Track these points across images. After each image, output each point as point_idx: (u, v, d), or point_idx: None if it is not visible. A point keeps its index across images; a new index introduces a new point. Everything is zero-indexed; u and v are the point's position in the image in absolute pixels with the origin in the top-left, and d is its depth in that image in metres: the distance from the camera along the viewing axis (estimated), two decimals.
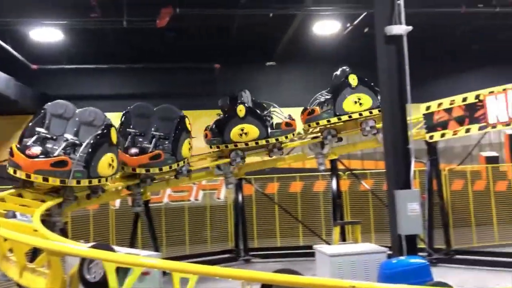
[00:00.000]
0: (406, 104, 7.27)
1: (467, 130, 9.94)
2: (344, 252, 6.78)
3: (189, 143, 10.45)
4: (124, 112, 10.20)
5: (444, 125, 10.21)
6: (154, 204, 12.25)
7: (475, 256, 10.99)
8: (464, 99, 9.90)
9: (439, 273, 9.31)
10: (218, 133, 11.10)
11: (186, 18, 12.18)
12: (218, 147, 11.17)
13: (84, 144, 7.81)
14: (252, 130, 10.82)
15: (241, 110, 10.82)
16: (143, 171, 9.52)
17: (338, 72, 11.51)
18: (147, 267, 4.14)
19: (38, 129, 8.03)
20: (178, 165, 10.05)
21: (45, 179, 7.44)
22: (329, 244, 9.95)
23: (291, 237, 13.44)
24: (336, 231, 9.00)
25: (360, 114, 10.85)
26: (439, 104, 10.25)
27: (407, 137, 7.22)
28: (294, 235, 13.47)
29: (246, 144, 10.96)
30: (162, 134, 9.82)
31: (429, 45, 14.26)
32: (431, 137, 10.44)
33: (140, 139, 9.83)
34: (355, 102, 10.85)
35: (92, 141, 7.91)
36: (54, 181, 7.51)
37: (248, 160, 11.91)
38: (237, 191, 12.36)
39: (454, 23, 12.49)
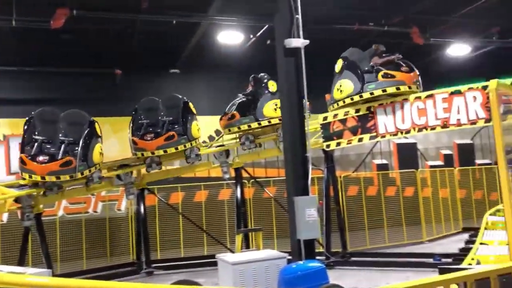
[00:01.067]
0: (304, 114, 7.59)
1: (360, 140, 10.62)
2: (245, 259, 6.84)
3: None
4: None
5: (339, 135, 10.80)
6: (47, 217, 11.45)
7: (369, 257, 11.74)
8: (357, 111, 10.57)
9: (335, 276, 9.89)
10: (248, 111, 11.44)
11: (85, 21, 11.60)
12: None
13: (81, 142, 9.65)
14: None
15: (273, 85, 11.42)
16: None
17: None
18: (33, 287, 3.81)
19: (34, 136, 9.56)
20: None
21: (58, 178, 9.45)
22: (233, 252, 10.02)
23: (195, 247, 13.31)
24: (239, 239, 9.08)
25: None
26: (335, 115, 10.83)
27: (305, 146, 7.53)
28: (198, 245, 13.36)
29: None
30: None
31: (331, 58, 15.08)
32: (328, 146, 10.98)
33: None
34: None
35: (85, 138, 9.81)
36: (65, 178, 9.54)
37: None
38: (138, 202, 11.96)
39: (352, 38, 13.33)
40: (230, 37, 13.80)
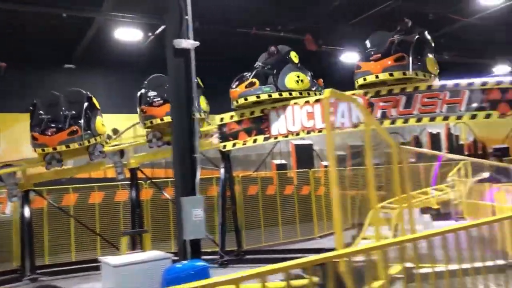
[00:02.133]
0: (192, 114, 7.65)
1: (255, 141, 10.94)
2: (128, 261, 6.73)
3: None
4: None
5: (235, 136, 11.03)
6: None
7: (263, 255, 12.10)
8: (252, 113, 10.88)
9: (228, 273, 10.05)
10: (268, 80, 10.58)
11: None
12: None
13: (83, 115, 10.72)
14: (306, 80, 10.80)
15: (296, 56, 10.90)
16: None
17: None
18: None
19: (40, 117, 10.63)
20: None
21: (67, 146, 10.58)
22: None
23: (88, 251, 12.76)
24: (124, 241, 8.92)
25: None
26: (231, 116, 11.04)
27: (193, 146, 7.60)
28: (92, 249, 12.83)
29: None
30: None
31: (229, 59, 15.35)
32: (224, 147, 11.16)
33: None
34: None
35: (85, 110, 10.86)
36: (74, 146, 10.64)
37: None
38: (23, 204, 11.20)
39: (248, 42, 13.67)
40: (128, 34, 13.47)
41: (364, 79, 9.90)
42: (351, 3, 12.91)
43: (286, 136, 10.79)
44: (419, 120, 9.85)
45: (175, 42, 7.47)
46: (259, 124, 10.86)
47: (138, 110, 11.55)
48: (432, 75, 9.89)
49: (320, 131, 10.51)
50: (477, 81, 9.46)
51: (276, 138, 10.85)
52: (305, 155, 19.84)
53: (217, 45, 10.53)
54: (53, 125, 10.67)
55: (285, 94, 10.56)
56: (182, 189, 7.40)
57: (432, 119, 9.75)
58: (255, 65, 11.05)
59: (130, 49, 14.45)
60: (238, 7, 12.45)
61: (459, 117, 9.60)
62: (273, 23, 13.70)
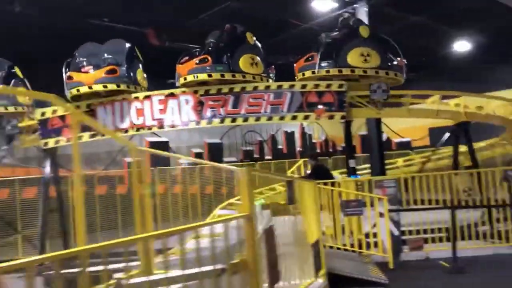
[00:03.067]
0: None
1: (80, 138, 10.20)
2: None
3: (143, 73, 10.57)
4: (69, 58, 10.23)
5: (58, 132, 10.20)
6: None
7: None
8: (78, 107, 10.15)
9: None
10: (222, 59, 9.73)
11: None
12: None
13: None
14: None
15: (251, 37, 10.16)
16: (100, 87, 9.82)
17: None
18: None
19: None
20: (135, 88, 10.13)
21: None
22: None
23: None
24: None
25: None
26: (54, 111, 10.19)
27: None
28: None
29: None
30: (115, 59, 9.95)
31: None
32: (45, 144, 10.27)
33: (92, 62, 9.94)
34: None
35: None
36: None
37: None
38: None
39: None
40: None
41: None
42: (192, 1, 12.79)
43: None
44: (245, 119, 10.06)
45: None
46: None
47: (64, 78, 10.25)
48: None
49: (149, 129, 10.20)
50: (298, 84, 9.93)
51: (103, 135, 10.26)
52: None
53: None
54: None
55: (238, 76, 9.89)
56: None
57: (258, 119, 10.02)
58: (206, 41, 10.35)
59: None
60: None
61: (281, 118, 9.99)
62: (113, 15, 13.02)
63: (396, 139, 25.38)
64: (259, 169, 18.57)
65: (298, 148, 25.35)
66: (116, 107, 10.14)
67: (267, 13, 13.69)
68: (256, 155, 23.06)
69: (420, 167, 14.12)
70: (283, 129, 24.74)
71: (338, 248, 8.66)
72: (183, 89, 10.12)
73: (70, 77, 9.99)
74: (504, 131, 13.27)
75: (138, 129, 10.16)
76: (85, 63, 10.00)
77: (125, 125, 10.14)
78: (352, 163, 10.17)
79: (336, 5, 13.69)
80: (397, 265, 8.16)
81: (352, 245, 8.61)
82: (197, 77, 9.83)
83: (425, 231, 9.04)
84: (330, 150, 26.09)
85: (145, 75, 10.74)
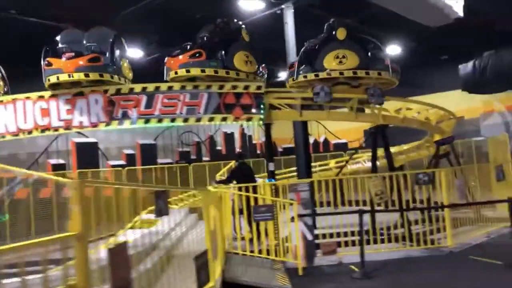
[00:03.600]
0: None
1: None
2: None
3: (128, 65, 10.02)
4: (46, 46, 9.38)
5: None
6: None
7: None
8: None
9: None
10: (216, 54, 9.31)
11: None
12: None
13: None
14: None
15: (247, 34, 9.83)
16: (81, 76, 9.07)
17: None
18: None
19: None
20: (119, 78, 9.46)
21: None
22: None
23: None
24: None
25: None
26: None
27: None
28: None
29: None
30: (99, 47, 9.28)
31: None
32: None
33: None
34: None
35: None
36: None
37: None
38: None
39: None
40: None
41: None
42: None
43: (17, 135, 9.51)
44: (160, 120, 9.59)
45: None
46: None
47: (42, 65, 9.34)
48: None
49: (56, 130, 9.53)
50: (215, 84, 9.60)
51: (4, 137, 9.50)
52: (88, 154, 18.51)
53: None
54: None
55: (232, 74, 9.50)
56: None
57: (173, 120, 9.59)
58: (199, 35, 9.80)
59: None
60: None
61: (198, 120, 9.62)
62: (29, 8, 12.20)
63: (334, 141, 25.69)
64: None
65: (237, 149, 25.08)
66: (19, 106, 9.40)
67: (194, 12, 13.27)
68: (193, 156, 22.59)
69: (338, 171, 14.24)
70: (222, 130, 24.39)
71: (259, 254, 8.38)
72: (93, 88, 9.53)
73: (49, 64, 9.16)
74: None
75: (43, 131, 9.46)
76: (65, 50, 9.23)
77: (29, 126, 9.41)
78: (271, 166, 9.96)
79: (263, 5, 13.46)
80: (308, 270, 8.01)
81: (268, 251, 8.36)
82: (189, 71, 9.42)
83: (339, 235, 8.96)
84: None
85: (129, 67, 10.09)
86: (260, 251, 8.24)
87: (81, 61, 9.03)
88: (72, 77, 9.06)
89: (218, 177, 14.25)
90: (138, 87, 9.50)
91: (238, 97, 9.57)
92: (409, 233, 9.27)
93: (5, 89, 9.84)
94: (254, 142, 25.52)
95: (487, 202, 9.91)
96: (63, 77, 9.10)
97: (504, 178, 10.62)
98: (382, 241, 9.18)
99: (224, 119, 9.59)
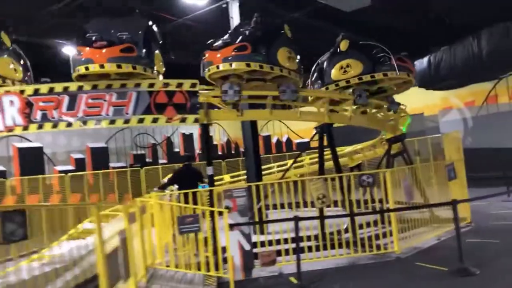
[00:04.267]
0: None
1: None
2: None
3: (161, 57, 9.18)
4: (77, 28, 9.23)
5: None
6: None
7: None
8: None
9: None
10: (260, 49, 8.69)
11: None
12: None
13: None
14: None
15: (289, 30, 9.38)
16: (113, 67, 8.29)
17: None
18: None
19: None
20: (152, 71, 8.72)
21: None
22: None
23: None
24: None
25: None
26: None
27: None
28: None
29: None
30: (131, 37, 8.48)
31: None
32: None
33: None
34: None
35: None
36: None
37: None
38: None
39: None
40: None
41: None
42: None
43: None
44: (84, 123, 8.71)
45: None
46: None
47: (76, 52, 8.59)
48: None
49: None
50: (145, 82, 8.80)
51: None
52: (32, 160, 17.45)
53: None
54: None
55: (276, 70, 8.84)
56: None
57: (98, 123, 8.74)
58: (239, 29, 9.17)
59: None
60: None
61: (126, 121, 8.79)
62: None
63: (297, 140, 25.16)
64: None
65: (197, 150, 24.29)
66: None
67: (132, 6, 12.43)
68: (148, 159, 21.67)
69: (282, 174, 13.66)
70: (179, 131, 23.54)
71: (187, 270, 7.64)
72: (7, 88, 8.60)
73: (78, 52, 8.40)
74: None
75: None
76: (96, 38, 8.42)
77: None
78: (209, 170, 9.23)
79: None
80: (244, 284, 7.33)
81: (198, 265, 7.62)
82: (232, 65, 8.65)
83: (279, 242, 8.31)
84: (233, 152, 25.33)
85: (162, 60, 9.23)
86: (190, 266, 7.51)
87: (114, 51, 8.29)
88: (104, 68, 8.29)
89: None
90: (59, 87, 8.60)
91: (171, 96, 8.80)
92: (356, 238, 8.70)
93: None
94: (215, 143, 24.76)
95: (430, 205, 9.42)
96: (94, 68, 8.28)
97: (455, 177, 10.17)
98: (332, 246, 8.58)
99: (155, 120, 8.79)
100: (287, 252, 8.07)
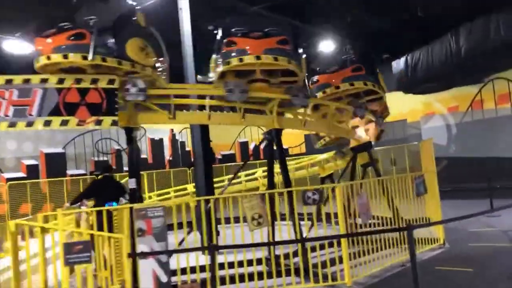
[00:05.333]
0: None
1: None
2: None
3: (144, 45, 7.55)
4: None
5: None
6: None
7: None
8: None
9: None
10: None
11: None
12: None
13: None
14: None
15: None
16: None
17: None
18: None
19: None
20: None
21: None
22: None
23: None
24: None
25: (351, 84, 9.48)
26: None
27: None
28: None
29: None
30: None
31: None
32: None
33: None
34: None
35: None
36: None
37: None
38: None
39: None
40: None
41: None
42: None
43: None
44: None
45: None
46: None
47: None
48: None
49: None
50: (53, 77, 7.40)
51: None
52: None
53: None
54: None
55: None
56: None
57: None
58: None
59: None
60: None
61: (29, 124, 7.37)
62: None
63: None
64: None
65: (167, 157, 22.91)
66: None
67: None
68: (112, 166, 20.21)
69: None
70: (148, 136, 22.12)
71: None
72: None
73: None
74: None
75: None
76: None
77: None
78: (132, 183, 7.82)
79: None
80: None
81: None
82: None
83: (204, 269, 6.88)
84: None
85: (148, 50, 7.62)
86: None
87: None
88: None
89: None
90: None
91: (83, 95, 7.40)
92: (306, 265, 7.31)
93: None
94: (187, 149, 23.37)
95: (379, 231, 8.03)
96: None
97: (426, 192, 8.80)
98: (279, 273, 7.18)
99: (64, 122, 7.37)
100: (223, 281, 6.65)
